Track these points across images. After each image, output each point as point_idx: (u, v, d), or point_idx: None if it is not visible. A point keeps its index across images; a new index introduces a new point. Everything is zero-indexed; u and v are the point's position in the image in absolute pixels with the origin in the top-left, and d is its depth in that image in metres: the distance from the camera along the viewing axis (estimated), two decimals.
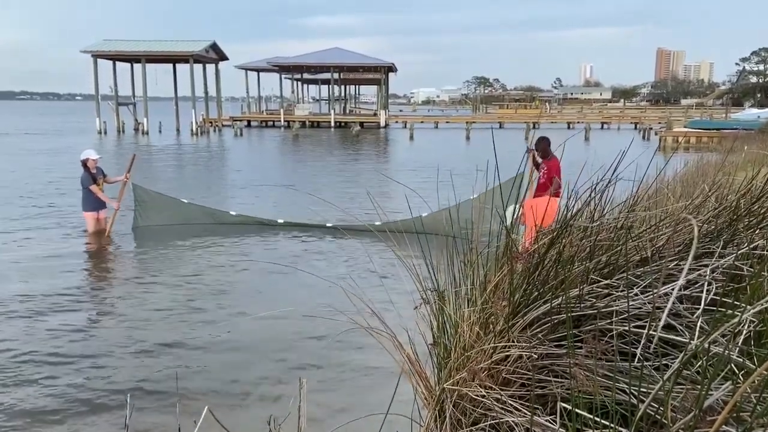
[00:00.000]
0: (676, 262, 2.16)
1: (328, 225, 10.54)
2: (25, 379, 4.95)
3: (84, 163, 9.90)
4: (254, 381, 4.96)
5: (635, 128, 51.10)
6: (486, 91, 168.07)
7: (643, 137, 39.24)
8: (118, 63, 47.33)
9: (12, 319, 6.27)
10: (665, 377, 1.47)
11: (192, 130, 43.87)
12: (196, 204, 11.20)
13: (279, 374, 5.09)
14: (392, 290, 6.85)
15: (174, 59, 47.29)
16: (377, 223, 9.93)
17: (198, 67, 47.30)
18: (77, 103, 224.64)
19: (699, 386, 1.48)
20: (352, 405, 4.49)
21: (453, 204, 7.20)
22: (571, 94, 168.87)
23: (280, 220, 10.91)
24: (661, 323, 1.62)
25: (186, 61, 45.81)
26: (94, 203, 10.01)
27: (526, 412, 2.37)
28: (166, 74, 49.36)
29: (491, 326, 2.84)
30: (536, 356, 2.45)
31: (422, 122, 57.68)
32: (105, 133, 42.61)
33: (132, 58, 46.19)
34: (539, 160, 8.16)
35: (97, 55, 44.64)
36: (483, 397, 2.61)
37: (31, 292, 7.17)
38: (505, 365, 2.67)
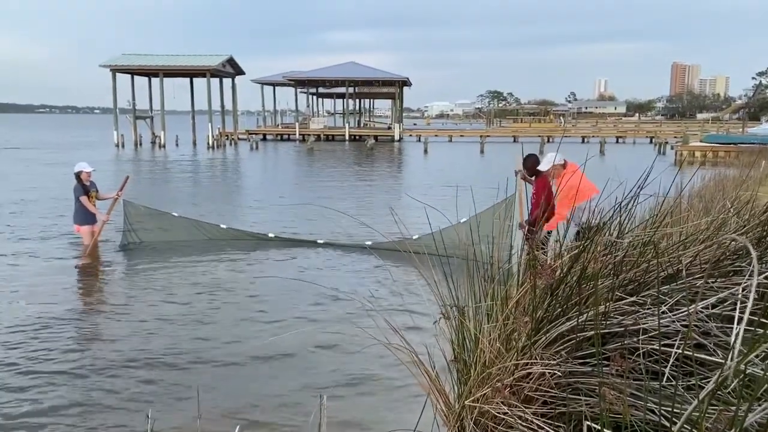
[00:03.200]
0: (704, 280, 2.14)
1: (319, 242, 10.46)
2: (37, 401, 4.90)
3: (77, 176, 9.81)
4: (273, 397, 4.94)
5: (651, 142, 50.75)
6: (500, 105, 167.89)
7: (659, 151, 38.94)
8: (136, 77, 47.96)
9: (9, 340, 6.15)
10: (700, 397, 1.44)
11: (208, 143, 44.20)
12: (186, 217, 11.06)
13: (298, 389, 5.06)
14: (409, 302, 6.85)
15: (191, 73, 47.82)
16: (368, 243, 9.91)
17: (215, 81, 47.79)
18: (95, 117, 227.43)
19: (733, 407, 1.46)
20: (370, 421, 4.46)
21: (445, 226, 7.24)
22: (586, 108, 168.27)
23: (271, 235, 10.76)
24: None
25: (203, 76, 46.28)
26: (87, 216, 9.89)
27: (550, 430, 2.33)
28: (181, 88, 49.89)
29: (513, 342, 2.81)
30: (560, 374, 2.42)
31: (436, 136, 57.67)
32: (122, 146, 43.03)
33: (150, 73, 46.75)
34: (531, 179, 7.94)
35: (115, 70, 45.21)
36: (505, 414, 2.58)
37: (26, 311, 7.07)
38: (528, 382, 2.64)
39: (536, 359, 2.61)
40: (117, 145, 43.05)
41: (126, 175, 10.56)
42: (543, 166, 7.47)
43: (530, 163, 7.86)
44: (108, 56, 48.47)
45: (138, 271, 9.15)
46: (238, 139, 50.03)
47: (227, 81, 50.57)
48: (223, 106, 50.56)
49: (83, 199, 9.78)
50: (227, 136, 48.95)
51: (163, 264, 9.40)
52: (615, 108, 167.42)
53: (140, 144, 45.20)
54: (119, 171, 27.07)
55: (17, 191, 17.73)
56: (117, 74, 45.50)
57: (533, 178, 7.84)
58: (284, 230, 11.67)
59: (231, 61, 48.36)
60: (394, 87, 56.45)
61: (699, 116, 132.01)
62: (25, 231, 11.88)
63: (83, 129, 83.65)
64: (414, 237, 8.25)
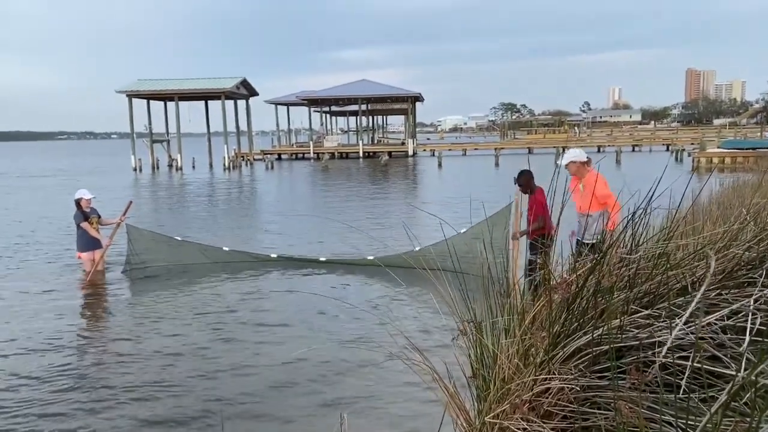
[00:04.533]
0: (718, 291, 2.14)
1: (322, 259, 10.44)
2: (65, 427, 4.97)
3: (77, 203, 9.88)
4: (292, 416, 4.97)
5: (667, 150, 50.44)
6: (513, 117, 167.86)
7: (676, 159, 38.67)
8: (152, 101, 48.72)
9: (20, 373, 6.08)
10: (713, 410, 1.46)
11: (224, 164, 44.68)
12: (189, 241, 11.12)
13: (317, 408, 5.08)
14: (423, 317, 6.86)
15: (206, 96, 48.51)
16: (369, 257, 9.93)
17: (229, 103, 48.40)
18: (113, 142, 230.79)
19: (749, 419, 1.47)
20: None
21: (443, 239, 7.25)
22: (600, 117, 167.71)
23: (274, 255, 10.72)
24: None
25: (218, 98, 46.95)
26: (88, 243, 9.94)
27: None
28: (196, 111, 50.57)
29: (531, 358, 2.82)
30: (578, 388, 2.43)
31: (450, 150, 57.78)
32: (140, 170, 43.58)
33: (165, 97, 47.51)
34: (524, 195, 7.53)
35: (131, 95, 45.98)
36: (525, 430, 2.59)
37: (33, 340, 7.05)
38: (547, 397, 2.65)
39: (554, 374, 2.63)
40: (135, 170, 43.60)
41: (129, 200, 10.59)
42: (564, 161, 6.84)
43: (523, 179, 7.48)
44: (124, 82, 49.35)
45: (144, 296, 9.13)
46: (254, 159, 50.55)
47: (241, 102, 51.23)
48: (238, 127, 51.18)
49: (84, 225, 9.82)
50: (243, 156, 49.45)
51: (169, 288, 9.38)
52: (630, 116, 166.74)
53: (158, 167, 45.78)
54: (137, 196, 27.42)
55: (30, 221, 17.58)
56: (133, 99, 46.26)
57: (527, 195, 7.47)
58: (306, 249, 11.72)
59: (245, 83, 48.99)
60: (406, 103, 56.74)
61: (716, 122, 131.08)
62: (33, 258, 11.86)
63: (101, 155, 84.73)
64: (416, 249, 8.30)
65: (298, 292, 8.71)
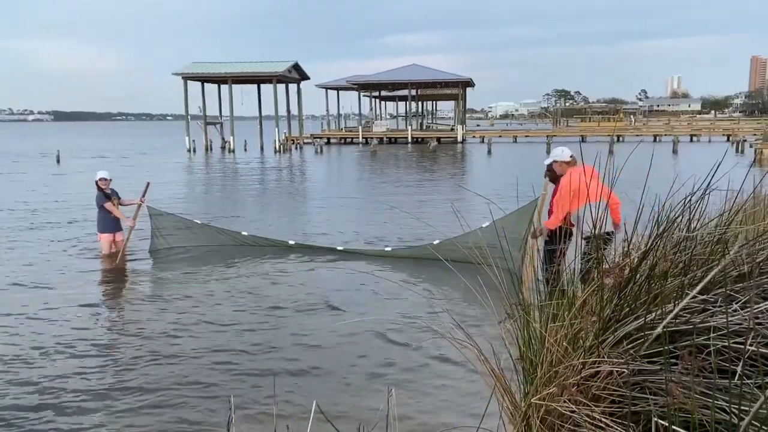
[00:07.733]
0: None
1: (339, 248, 10.35)
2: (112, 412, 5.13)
3: (97, 184, 9.95)
4: (340, 388, 5.05)
5: (728, 140, 48.54)
6: (567, 104, 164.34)
7: (737, 150, 37.15)
8: (206, 84, 49.69)
9: (68, 353, 6.04)
10: (767, 394, 1.43)
11: (275, 147, 45.32)
12: (210, 225, 11.21)
13: (365, 381, 5.16)
14: (460, 302, 6.86)
15: (258, 80, 49.23)
16: (387, 249, 9.91)
17: (281, 86, 48.97)
18: (168, 123, 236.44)
19: None
20: (436, 417, 4.51)
21: (469, 230, 7.31)
22: (658, 106, 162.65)
23: (291, 242, 10.67)
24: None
25: (270, 82, 47.57)
26: (109, 224, 10.03)
27: (617, 428, 2.33)
28: (247, 94, 51.41)
29: (580, 341, 2.82)
30: (628, 372, 2.42)
31: (500, 137, 57.05)
32: (194, 151, 44.58)
33: (219, 80, 48.41)
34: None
35: (187, 78, 47.00)
36: (572, 412, 2.59)
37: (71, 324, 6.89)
38: (595, 381, 2.64)
39: (604, 358, 2.61)
40: (189, 150, 44.67)
41: (147, 182, 10.54)
42: (547, 161, 6.59)
43: (551, 167, 6.98)
44: (179, 65, 50.48)
45: (174, 276, 9.16)
46: (304, 143, 51.09)
47: (293, 86, 51.78)
48: (289, 110, 51.77)
49: (108, 205, 9.87)
50: (293, 140, 50.06)
51: (197, 269, 9.44)
52: (689, 105, 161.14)
53: (211, 149, 46.78)
54: (191, 177, 28.12)
55: (72, 206, 16.76)
56: (188, 82, 47.29)
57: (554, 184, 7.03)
58: (352, 235, 11.81)
59: (296, 67, 49.46)
60: (456, 88, 56.19)
61: None
62: (68, 238, 11.86)
63: (157, 135, 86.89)
64: (435, 242, 8.49)
65: (335, 269, 8.79)
